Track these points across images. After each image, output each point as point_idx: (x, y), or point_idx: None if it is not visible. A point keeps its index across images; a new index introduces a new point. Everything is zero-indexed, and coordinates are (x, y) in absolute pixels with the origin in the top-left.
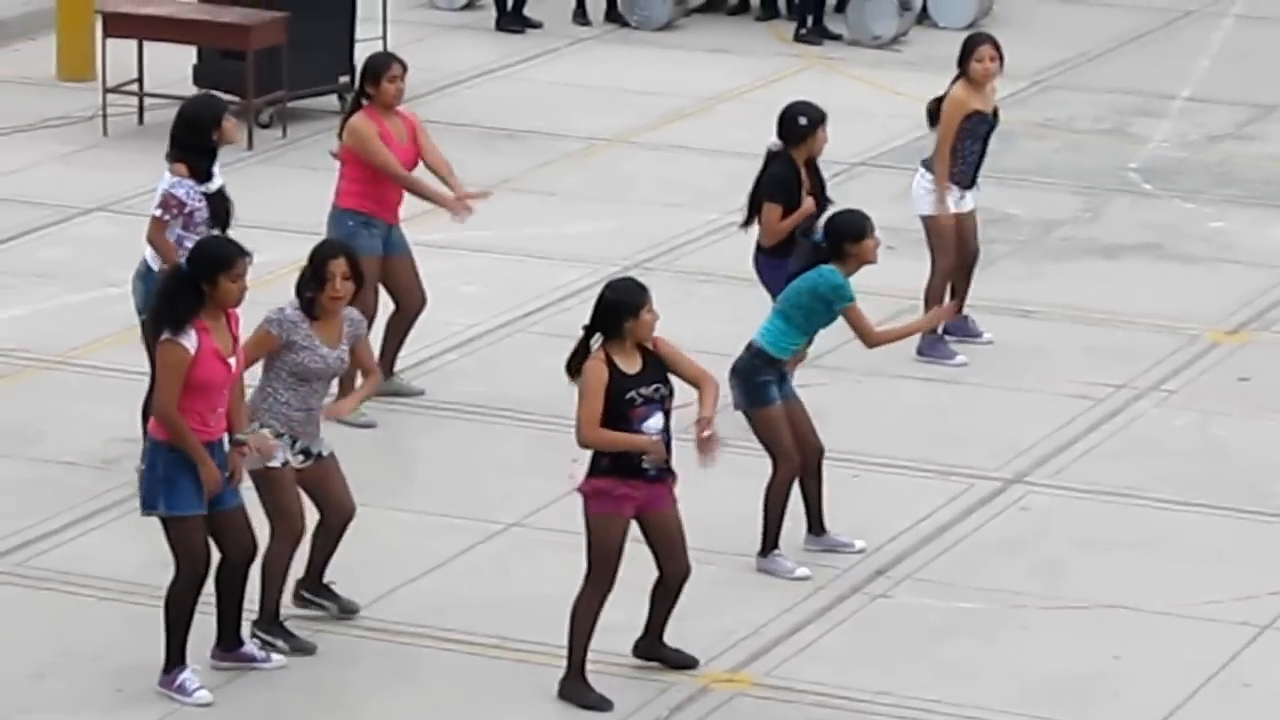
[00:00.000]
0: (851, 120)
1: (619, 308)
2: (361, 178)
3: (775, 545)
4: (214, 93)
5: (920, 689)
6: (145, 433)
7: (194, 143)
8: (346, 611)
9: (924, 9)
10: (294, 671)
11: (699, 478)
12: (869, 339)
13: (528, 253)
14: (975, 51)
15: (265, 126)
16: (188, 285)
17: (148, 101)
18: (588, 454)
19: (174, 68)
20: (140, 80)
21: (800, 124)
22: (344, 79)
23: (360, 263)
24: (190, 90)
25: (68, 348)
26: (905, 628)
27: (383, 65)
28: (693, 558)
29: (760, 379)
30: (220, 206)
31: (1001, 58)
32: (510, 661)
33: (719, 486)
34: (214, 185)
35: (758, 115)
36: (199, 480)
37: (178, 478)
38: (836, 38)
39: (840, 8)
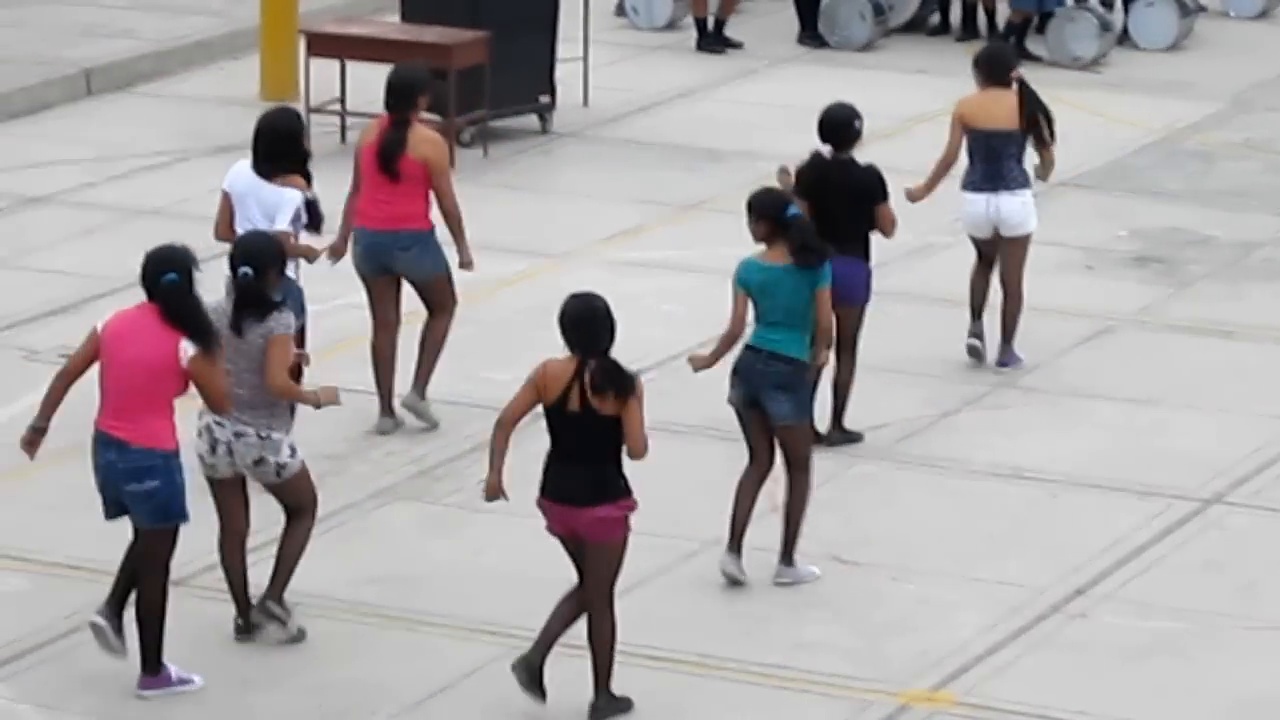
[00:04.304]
0: None
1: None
2: (428, 195)
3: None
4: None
5: (1119, 709)
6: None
7: (295, 152)
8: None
9: (1125, 30)
10: (491, 687)
11: (898, 495)
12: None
13: (727, 272)
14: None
15: (466, 145)
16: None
17: (350, 120)
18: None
19: (376, 87)
20: (343, 100)
21: (856, 127)
22: (544, 99)
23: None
24: None
25: None
26: (1104, 648)
27: (428, 83)
28: (891, 576)
29: (812, 391)
30: (316, 213)
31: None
32: (709, 679)
33: (916, 504)
34: (308, 193)
35: None
36: None
37: (184, 483)
38: (1037, 59)
39: (1041, 29)
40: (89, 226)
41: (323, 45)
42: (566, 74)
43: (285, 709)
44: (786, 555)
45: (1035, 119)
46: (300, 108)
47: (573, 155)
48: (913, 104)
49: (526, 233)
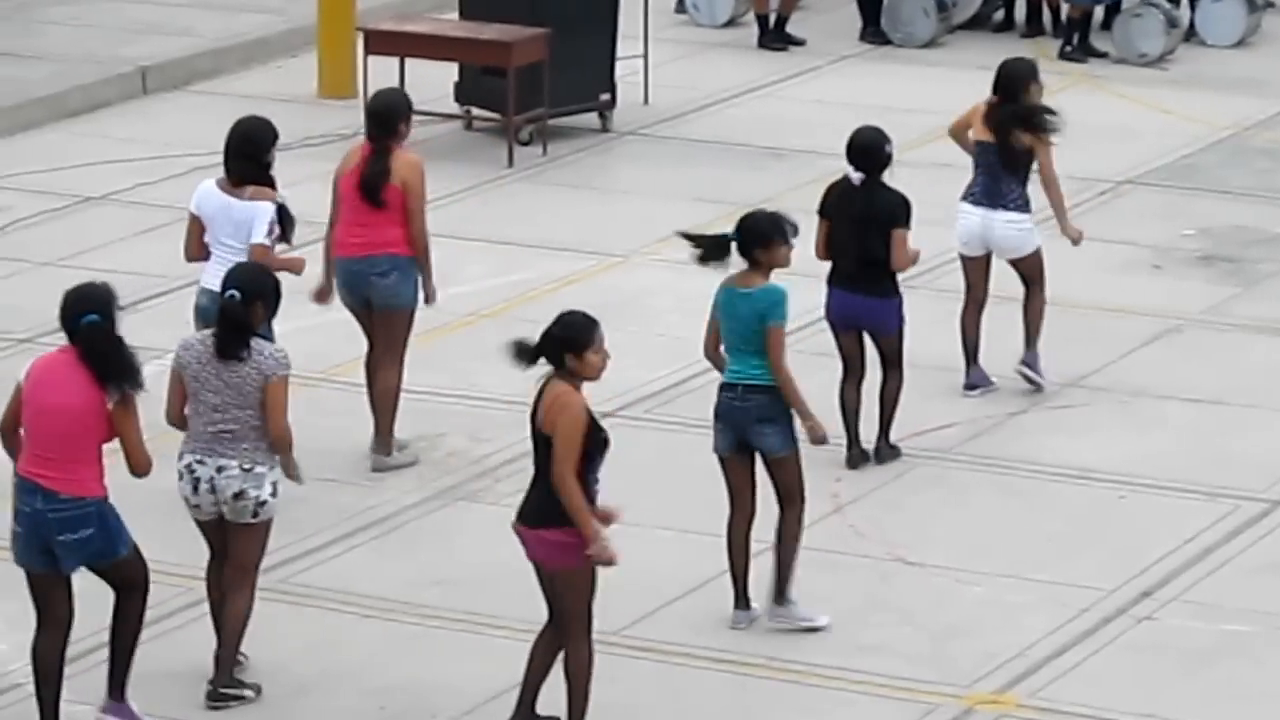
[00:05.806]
0: (1118, 138)
1: (566, 343)
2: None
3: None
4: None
5: (1186, 712)
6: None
7: (261, 159)
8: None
9: (1191, 27)
10: (551, 690)
11: (964, 495)
12: (709, 348)
13: (786, 271)
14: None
15: (525, 144)
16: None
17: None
18: (851, 473)
19: (435, 85)
20: None
21: (888, 151)
22: (604, 97)
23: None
24: (452, 107)
25: (329, 365)
26: (1171, 650)
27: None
28: (957, 578)
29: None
30: (287, 219)
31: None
32: (773, 681)
33: (982, 505)
34: (277, 199)
35: None
36: None
37: (119, 520)
38: (1102, 55)
39: (1106, 25)
40: (146, 225)
41: (381, 43)
42: (627, 72)
43: (346, 710)
44: (780, 594)
45: (1007, 137)
46: (358, 106)
47: (633, 154)
48: (977, 101)
49: (587, 232)
